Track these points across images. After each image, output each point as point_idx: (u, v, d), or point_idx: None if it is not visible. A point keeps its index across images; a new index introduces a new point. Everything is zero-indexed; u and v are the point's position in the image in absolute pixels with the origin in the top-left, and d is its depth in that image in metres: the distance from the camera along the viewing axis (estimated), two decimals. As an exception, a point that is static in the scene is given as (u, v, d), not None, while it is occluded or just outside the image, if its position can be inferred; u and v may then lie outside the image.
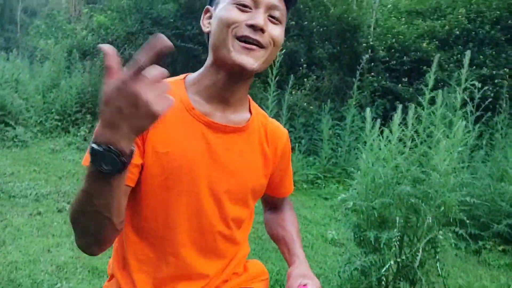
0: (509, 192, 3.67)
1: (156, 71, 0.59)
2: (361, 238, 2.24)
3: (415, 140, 2.19)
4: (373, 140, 2.29)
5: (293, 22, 6.64)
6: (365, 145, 2.30)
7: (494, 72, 6.21)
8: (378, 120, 2.33)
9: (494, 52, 6.42)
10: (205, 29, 0.92)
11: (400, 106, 2.27)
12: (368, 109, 2.27)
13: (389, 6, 7.25)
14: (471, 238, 3.55)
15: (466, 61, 2.24)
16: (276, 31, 0.88)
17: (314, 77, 7.03)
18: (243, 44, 0.84)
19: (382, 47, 6.35)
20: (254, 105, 1.00)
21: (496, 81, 6.13)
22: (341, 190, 4.79)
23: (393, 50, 6.40)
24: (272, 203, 1.17)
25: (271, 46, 0.87)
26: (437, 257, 2.07)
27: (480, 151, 4.25)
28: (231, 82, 0.89)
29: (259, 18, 0.84)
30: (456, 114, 2.21)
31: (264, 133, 0.99)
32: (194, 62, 8.09)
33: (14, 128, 6.04)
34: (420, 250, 2.05)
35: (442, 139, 2.05)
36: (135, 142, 0.71)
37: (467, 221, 2.18)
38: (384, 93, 6.34)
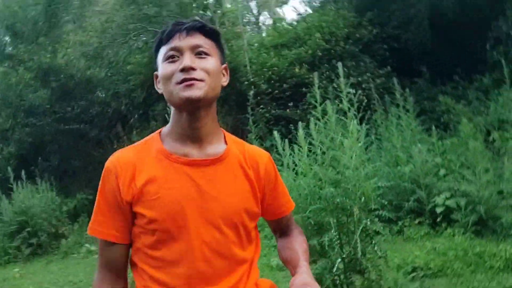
0: (406, 172, 4.18)
1: None
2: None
3: (322, 148, 2.44)
4: (287, 158, 2.49)
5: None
6: (281, 165, 2.48)
7: (359, 79, 7.09)
8: (286, 140, 2.55)
9: (354, 63, 7.36)
10: (159, 91, 1.05)
11: (299, 123, 2.51)
12: (275, 133, 2.48)
13: (256, 44, 7.90)
14: (390, 222, 3.96)
15: (340, 70, 2.60)
16: (207, 63, 1.00)
17: (209, 123, 7.24)
18: (183, 84, 0.97)
19: (262, 81, 6.85)
20: (229, 136, 1.11)
21: (363, 85, 7.01)
22: (268, 219, 4.93)
23: (272, 81, 6.94)
24: (279, 229, 1.21)
25: (207, 76, 0.99)
26: (373, 241, 2.29)
27: (372, 146, 4.77)
28: (193, 118, 1.00)
29: (186, 60, 0.98)
30: (347, 117, 2.52)
31: (243, 158, 1.09)
32: (84, 142, 7.77)
33: None
34: (358, 241, 2.25)
35: (343, 140, 2.33)
36: (121, 206, 0.99)
37: (385, 204, 2.46)
38: (277, 120, 6.80)
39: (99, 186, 1.02)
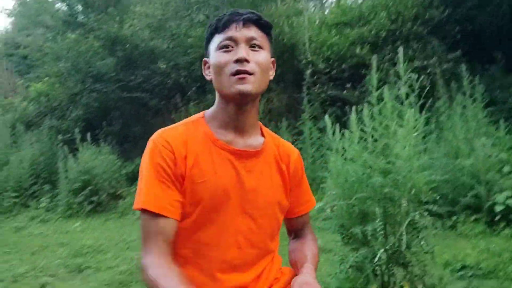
0: (466, 166, 3.96)
1: None
2: (348, 237, 2.36)
3: (374, 135, 2.36)
4: (337, 143, 2.45)
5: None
6: (330, 149, 2.44)
7: (425, 62, 6.71)
8: (337, 125, 2.49)
9: (420, 46, 6.95)
10: (208, 77, 1.08)
11: (353, 108, 2.44)
12: (326, 116, 2.43)
13: (317, 22, 7.69)
14: (444, 216, 3.80)
15: (400, 56, 2.48)
16: (259, 56, 1.02)
17: (264, 100, 7.26)
18: (236, 77, 0.99)
19: (321, 60, 6.70)
20: (265, 129, 1.14)
21: (428, 70, 6.63)
22: (316, 200, 4.91)
23: (331, 61, 6.77)
24: (294, 229, 1.23)
25: (258, 70, 1.01)
26: (419, 236, 2.21)
27: (431, 135, 4.55)
28: (240, 110, 1.03)
29: (241, 52, 0.99)
30: (404, 105, 2.41)
31: (278, 152, 1.13)
32: (144, 110, 8.11)
33: (-29, 215, 5.74)
34: (404, 234, 2.18)
35: (398, 129, 2.24)
36: (174, 181, 0.98)
37: (437, 198, 2.36)
38: (333, 101, 6.65)
39: (149, 161, 0.99)
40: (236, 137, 1.05)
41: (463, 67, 4.98)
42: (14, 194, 6.79)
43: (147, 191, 0.97)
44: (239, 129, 1.05)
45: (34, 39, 10.60)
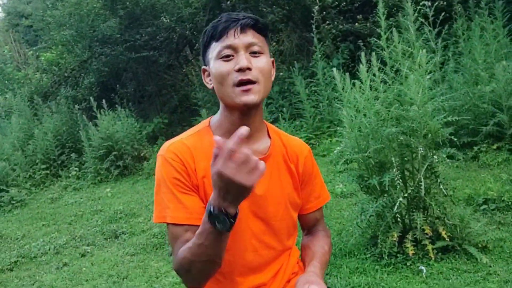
0: (487, 93, 3.82)
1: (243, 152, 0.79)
2: (367, 187, 2.37)
3: (387, 82, 2.28)
4: (348, 94, 2.38)
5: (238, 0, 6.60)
6: (339, 102, 2.39)
7: (440, -18, 6.26)
8: (347, 74, 2.41)
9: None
10: (209, 86, 1.06)
11: (362, 54, 2.34)
12: (334, 69, 2.35)
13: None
14: (465, 147, 3.74)
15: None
16: (261, 62, 1.00)
17: (274, 42, 7.05)
18: (240, 88, 0.97)
19: (328, -7, 6.36)
20: (271, 128, 1.14)
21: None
22: (335, 143, 4.91)
23: (339, -7, 6.42)
24: (307, 225, 1.24)
25: (261, 77, 0.99)
26: (438, 180, 2.20)
27: (449, 63, 4.36)
28: (245, 118, 1.03)
29: (242, 61, 0.97)
30: (414, 46, 2.29)
31: (286, 152, 1.13)
32: (155, 68, 8.04)
33: (7, 191, 6.03)
34: (422, 179, 2.17)
35: (409, 74, 2.15)
36: (193, 188, 1.00)
37: (454, 138, 2.31)
38: (345, 36, 6.40)
39: (165, 177, 1.01)
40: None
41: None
42: (44, 166, 7.04)
43: (174, 205, 1.00)
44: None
45: (35, 7, 10.40)
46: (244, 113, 1.02)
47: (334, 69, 2.35)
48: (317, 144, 5.27)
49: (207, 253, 0.90)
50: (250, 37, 0.99)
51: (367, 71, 2.31)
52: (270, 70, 1.03)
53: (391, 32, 2.41)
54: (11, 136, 7.95)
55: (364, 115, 2.24)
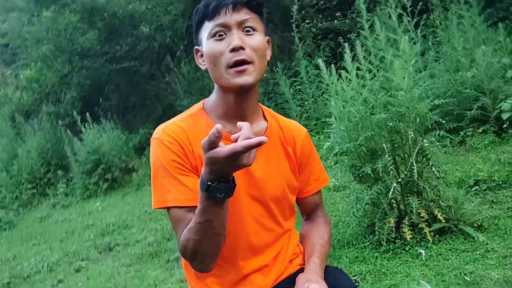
0: (468, 78, 3.88)
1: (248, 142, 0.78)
2: (360, 176, 2.38)
3: (372, 71, 2.30)
4: (335, 85, 2.39)
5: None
6: (326, 93, 2.40)
7: (414, -26, 6.38)
8: (332, 66, 2.43)
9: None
10: (202, 67, 1.04)
11: (346, 44, 2.36)
12: (319, 60, 2.36)
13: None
14: (452, 132, 3.79)
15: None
16: (254, 40, 0.98)
17: (255, 46, 7.05)
18: (234, 69, 0.95)
19: (306, -7, 6.41)
20: (267, 111, 1.12)
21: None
22: (323, 139, 4.92)
23: (316, -9, 6.47)
24: (305, 210, 1.22)
25: (256, 56, 0.97)
26: (430, 163, 2.22)
27: (430, 52, 4.43)
28: (240, 100, 1.01)
29: (235, 40, 0.95)
30: (397, 33, 2.32)
31: (283, 134, 1.11)
32: (137, 78, 7.98)
33: (-5, 213, 5.90)
34: (414, 163, 2.19)
35: (394, 60, 2.17)
36: (192, 170, 0.98)
37: (442, 121, 2.34)
38: (325, 34, 6.45)
39: (162, 159, 0.98)
40: (237, 127, 1.03)
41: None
42: (30, 186, 6.90)
43: (176, 188, 0.97)
44: (241, 117, 1.01)
45: (11, 25, 10.24)
46: (240, 95, 1.00)
47: (320, 60, 2.36)
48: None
49: (213, 227, 0.89)
50: (243, 14, 0.97)
51: (352, 61, 2.33)
52: (265, 49, 1.01)
53: (373, 23, 2.44)
54: (-6, 158, 7.78)
55: (353, 104, 2.25)
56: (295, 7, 5.87)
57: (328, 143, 2.62)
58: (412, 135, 2.17)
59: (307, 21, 6.33)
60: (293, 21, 5.66)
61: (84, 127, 6.48)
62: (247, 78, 0.96)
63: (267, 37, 1.05)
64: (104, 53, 7.17)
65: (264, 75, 1.05)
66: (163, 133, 1.01)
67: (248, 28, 0.97)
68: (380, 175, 2.23)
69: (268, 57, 1.04)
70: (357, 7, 3.54)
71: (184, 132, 1.01)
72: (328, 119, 2.51)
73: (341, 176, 3.51)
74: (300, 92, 5.86)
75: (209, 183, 0.82)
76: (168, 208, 0.99)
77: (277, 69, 5.81)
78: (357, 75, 2.28)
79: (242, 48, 0.95)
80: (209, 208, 0.86)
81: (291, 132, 1.13)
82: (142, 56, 7.61)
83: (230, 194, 0.85)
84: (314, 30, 6.35)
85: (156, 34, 7.30)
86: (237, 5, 0.96)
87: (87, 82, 7.54)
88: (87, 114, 6.63)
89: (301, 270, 1.09)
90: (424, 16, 4.59)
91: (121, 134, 6.90)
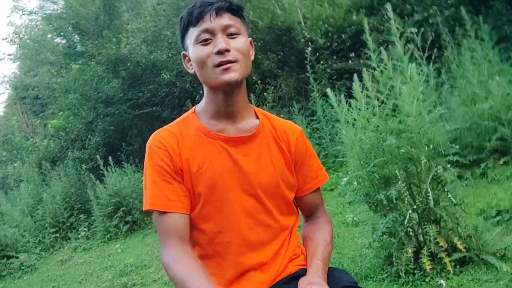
0: (486, 110, 3.84)
1: None
2: (375, 204, 2.34)
3: (380, 98, 2.32)
4: (345, 114, 2.42)
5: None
6: (338, 122, 2.42)
7: (425, 14, 6.52)
8: (342, 96, 2.46)
9: (417, -2, 6.76)
10: (190, 71, 1.09)
11: (354, 75, 2.40)
12: (328, 89, 2.41)
13: (308, -1, 7.57)
14: (472, 165, 3.71)
15: (389, 11, 2.41)
16: (239, 43, 1.03)
17: (272, 88, 7.22)
18: (221, 67, 1.00)
19: (319, 36, 6.61)
20: (259, 111, 1.16)
21: (430, 21, 6.44)
22: (342, 176, 4.89)
23: (329, 34, 6.67)
24: (306, 209, 1.22)
25: (241, 56, 1.02)
26: (445, 189, 2.17)
27: (444, 86, 4.44)
28: (228, 97, 1.05)
29: (220, 43, 1.00)
30: (403, 61, 2.36)
31: (275, 131, 1.14)
32: (159, 123, 8.21)
33: (17, 257, 5.96)
34: (429, 190, 2.15)
35: (402, 86, 2.19)
36: (175, 177, 1.02)
37: (458, 148, 2.30)
38: (340, 74, 6.57)
39: (148, 164, 1.05)
40: (228, 125, 1.08)
41: (463, 10, 4.82)
42: (53, 230, 6.99)
43: (152, 192, 1.02)
44: (230, 115, 1.07)
45: (41, 78, 10.85)
46: (228, 93, 1.04)
47: (328, 89, 2.40)
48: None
49: None
50: (226, 19, 1.03)
51: (361, 92, 2.36)
52: (248, 49, 1.06)
53: (380, 52, 2.49)
54: (20, 203, 7.99)
55: (364, 131, 2.26)
56: (309, 49, 6.04)
57: (345, 178, 2.61)
58: (425, 161, 2.14)
59: (321, 62, 6.48)
60: (308, 62, 5.81)
61: (107, 170, 6.62)
62: (233, 74, 1.00)
63: (250, 38, 1.10)
64: (127, 99, 7.47)
65: (249, 73, 1.08)
66: (153, 139, 1.07)
67: (232, 33, 1.03)
68: (395, 202, 2.19)
69: (252, 57, 1.09)
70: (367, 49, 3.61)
71: (173, 136, 1.06)
72: (339, 147, 2.51)
73: (359, 211, 3.46)
74: (317, 131, 5.90)
75: None
76: (153, 212, 1.03)
77: (294, 109, 5.91)
78: (367, 104, 2.31)
79: (227, 50, 1.00)
80: None
81: (284, 130, 1.15)
82: (163, 102, 7.88)
83: None
84: (328, 70, 6.48)
85: (177, 80, 7.58)
86: (219, 10, 1.02)
87: (111, 128, 7.80)
88: (110, 158, 6.80)
89: (302, 270, 1.08)
90: (435, 49, 4.65)
91: (142, 177, 6.99)
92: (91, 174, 7.12)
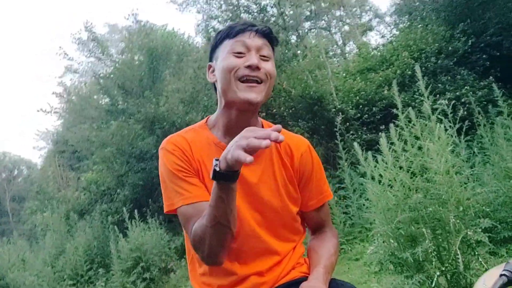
0: (521, 185, 3.71)
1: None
2: (401, 265, 2.23)
3: (407, 156, 2.32)
4: (372, 171, 2.41)
5: (264, 114, 7.11)
6: (364, 177, 2.41)
7: (457, 93, 6.62)
8: (369, 152, 2.48)
9: (449, 77, 6.91)
10: (212, 80, 1.14)
11: (382, 134, 2.43)
12: (355, 143, 2.43)
13: (341, 72, 7.88)
14: (508, 242, 3.51)
15: (418, 72, 2.49)
16: (268, 66, 1.09)
17: (301, 155, 7.29)
18: (245, 84, 1.05)
19: (350, 107, 6.76)
20: (266, 124, 1.19)
21: (462, 100, 6.50)
22: (368, 246, 4.71)
23: (361, 106, 6.81)
24: (312, 224, 1.23)
25: (268, 79, 1.08)
26: (476, 252, 2.07)
27: (476, 158, 4.37)
28: (242, 117, 1.09)
29: (253, 59, 1.06)
30: (431, 120, 2.38)
31: (279, 146, 1.16)
32: (187, 183, 8.32)
33: (32, 306, 5.88)
34: (459, 253, 2.05)
35: (429, 145, 2.20)
36: (193, 172, 1.06)
37: (489, 211, 2.22)
38: (369, 145, 6.58)
39: (167, 165, 1.07)
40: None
41: (497, 91, 4.86)
42: (71, 282, 6.94)
43: (181, 189, 1.05)
44: (240, 131, 1.09)
45: (81, 133, 11.44)
46: (242, 112, 1.08)
47: (355, 143, 2.43)
48: (350, 249, 5.05)
49: (215, 215, 0.93)
50: (262, 42, 1.09)
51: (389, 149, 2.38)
52: (275, 76, 1.11)
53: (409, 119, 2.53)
54: (43, 252, 8.05)
55: (390, 186, 2.23)
56: (339, 118, 6.17)
57: (371, 247, 2.54)
58: (453, 221, 2.07)
59: (351, 132, 6.56)
60: (338, 130, 5.90)
61: (131, 224, 6.66)
62: (255, 96, 1.04)
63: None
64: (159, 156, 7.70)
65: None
66: (167, 143, 1.11)
67: (264, 55, 1.09)
68: (421, 263, 2.08)
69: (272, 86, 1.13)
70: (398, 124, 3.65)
71: (186, 141, 1.10)
72: (365, 201, 2.47)
73: (385, 281, 3.29)
74: (344, 199, 5.81)
75: (224, 172, 0.89)
76: (178, 209, 1.04)
77: (322, 176, 5.89)
78: (394, 158, 2.31)
79: (258, 68, 1.05)
80: (221, 195, 0.92)
81: (288, 145, 1.16)
82: (193, 161, 8.06)
83: (235, 179, 0.92)
84: (358, 141, 6.53)
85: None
86: (259, 33, 1.09)
87: (140, 183, 7.97)
88: (135, 211, 6.87)
89: (304, 278, 1.06)
90: (466, 122, 4.64)
91: (165, 234, 6.98)
92: (115, 227, 7.17)
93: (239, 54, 1.07)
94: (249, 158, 0.84)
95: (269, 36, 1.12)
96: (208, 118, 1.18)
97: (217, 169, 0.89)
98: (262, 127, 1.18)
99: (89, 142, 8.78)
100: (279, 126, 0.85)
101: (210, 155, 1.08)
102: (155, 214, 7.74)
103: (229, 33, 1.11)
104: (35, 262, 7.64)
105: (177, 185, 1.05)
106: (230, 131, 1.10)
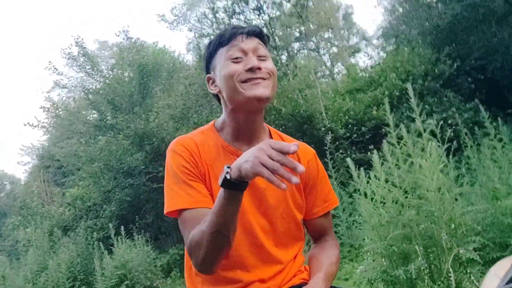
0: (508, 206, 3.75)
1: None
2: (393, 282, 2.22)
3: (399, 174, 2.34)
4: (364, 188, 2.43)
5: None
6: (356, 192, 2.41)
7: (444, 115, 6.74)
8: (362, 169, 2.49)
9: (436, 99, 7.05)
10: (214, 91, 1.13)
11: (374, 151, 2.45)
12: (348, 159, 2.44)
13: (330, 92, 7.99)
14: (496, 262, 3.53)
15: (410, 91, 2.53)
16: (268, 64, 1.09)
17: (290, 173, 7.29)
18: (249, 83, 1.04)
19: (339, 126, 6.83)
20: (274, 131, 1.19)
21: (449, 121, 6.62)
22: (357, 265, 4.68)
23: (350, 126, 6.88)
24: (314, 232, 1.22)
25: (271, 76, 1.08)
26: (468, 270, 2.07)
27: (465, 178, 4.42)
28: (250, 119, 1.09)
29: (253, 61, 1.06)
30: (423, 137, 2.41)
31: None
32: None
33: (10, 325, 5.67)
34: (451, 270, 2.05)
35: (421, 161, 2.22)
36: (199, 177, 1.05)
37: (480, 229, 2.24)
38: (358, 165, 6.62)
39: (174, 166, 1.06)
40: (243, 144, 1.11)
41: (484, 113, 4.96)
42: (51, 301, 6.72)
43: (183, 192, 1.03)
44: (248, 134, 1.11)
45: (68, 149, 11.30)
46: (250, 113, 1.07)
47: (349, 159, 2.44)
48: (339, 269, 5.02)
49: (216, 222, 0.92)
50: (256, 42, 1.10)
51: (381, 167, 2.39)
52: (277, 72, 1.11)
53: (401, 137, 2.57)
54: (24, 268, 7.81)
55: (383, 203, 2.24)
56: (329, 137, 6.21)
57: (361, 266, 2.54)
58: (445, 238, 2.08)
59: (341, 151, 6.60)
60: (327, 149, 5.93)
61: (117, 240, 6.53)
62: (264, 90, 1.04)
63: None
64: (147, 172, 7.62)
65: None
66: (176, 143, 1.10)
67: (261, 55, 1.09)
68: (414, 281, 2.08)
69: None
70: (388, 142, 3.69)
71: (195, 144, 1.09)
72: (358, 217, 2.47)
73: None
74: (334, 218, 5.81)
75: (234, 180, 0.88)
76: (179, 212, 1.02)
77: (311, 194, 5.89)
78: (386, 179, 2.32)
79: (259, 68, 1.05)
80: (227, 203, 0.90)
81: (296, 152, 1.15)
82: (182, 178, 7.99)
83: (244, 189, 0.90)
84: (347, 160, 6.57)
85: (198, 159, 7.76)
86: (250, 34, 1.09)
87: (127, 199, 7.86)
88: (122, 227, 6.75)
89: (304, 283, 1.06)
90: (454, 142, 4.71)
91: (151, 251, 6.85)
92: (100, 243, 7.02)
93: (237, 60, 1.07)
94: (283, 185, 0.84)
95: (261, 35, 1.12)
96: (215, 121, 1.18)
97: (228, 176, 0.88)
98: (270, 134, 1.18)
99: (76, 157, 8.66)
100: (295, 147, 0.84)
101: (218, 158, 1.08)
102: (141, 231, 7.62)
103: (221, 41, 1.10)
104: (16, 278, 7.39)
105: (181, 188, 1.04)
106: (239, 135, 1.10)
